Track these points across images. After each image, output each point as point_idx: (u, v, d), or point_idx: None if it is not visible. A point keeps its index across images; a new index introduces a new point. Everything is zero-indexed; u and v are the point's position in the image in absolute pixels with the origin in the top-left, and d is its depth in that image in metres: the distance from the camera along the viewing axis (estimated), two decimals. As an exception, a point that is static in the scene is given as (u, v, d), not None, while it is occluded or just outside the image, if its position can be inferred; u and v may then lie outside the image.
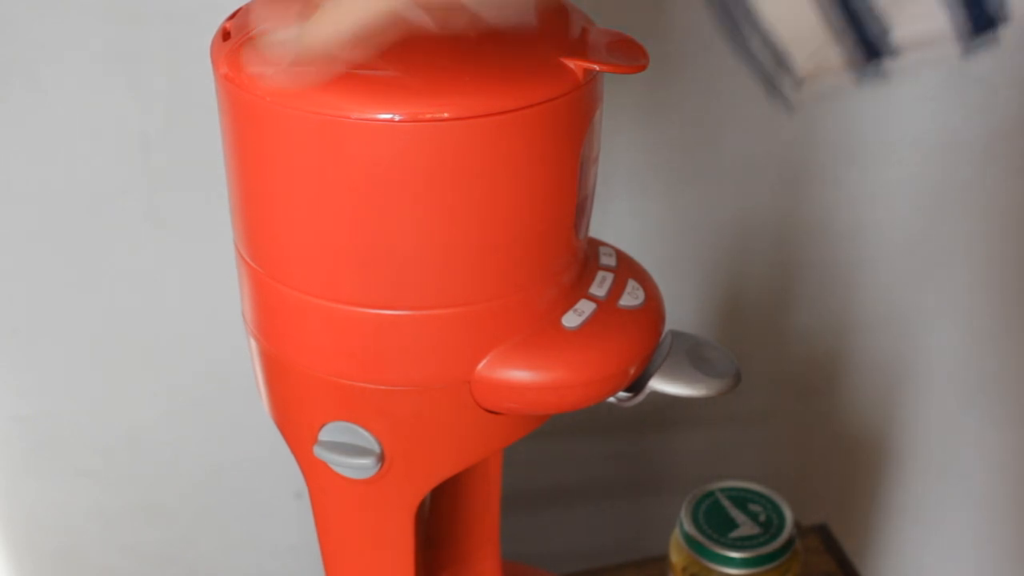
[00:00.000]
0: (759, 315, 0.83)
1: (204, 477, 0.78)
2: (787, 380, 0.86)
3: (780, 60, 0.36)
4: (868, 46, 0.34)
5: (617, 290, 0.44)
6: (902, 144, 0.77)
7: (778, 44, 0.35)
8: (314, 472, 0.47)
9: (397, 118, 0.37)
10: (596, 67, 0.38)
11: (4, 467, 0.74)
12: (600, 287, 0.44)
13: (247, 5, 0.44)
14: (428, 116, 0.36)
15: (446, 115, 0.37)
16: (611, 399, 0.45)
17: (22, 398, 0.72)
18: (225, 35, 0.41)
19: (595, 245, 0.46)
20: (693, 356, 0.45)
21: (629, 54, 0.39)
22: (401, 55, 0.39)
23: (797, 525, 0.64)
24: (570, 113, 0.39)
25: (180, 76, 0.63)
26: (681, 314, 0.79)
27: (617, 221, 0.74)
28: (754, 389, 0.84)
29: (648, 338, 0.44)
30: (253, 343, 0.46)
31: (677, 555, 0.64)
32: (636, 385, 0.45)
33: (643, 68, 0.39)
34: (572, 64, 0.38)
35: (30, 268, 0.68)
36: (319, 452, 0.44)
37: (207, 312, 0.70)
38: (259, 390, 0.48)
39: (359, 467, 0.44)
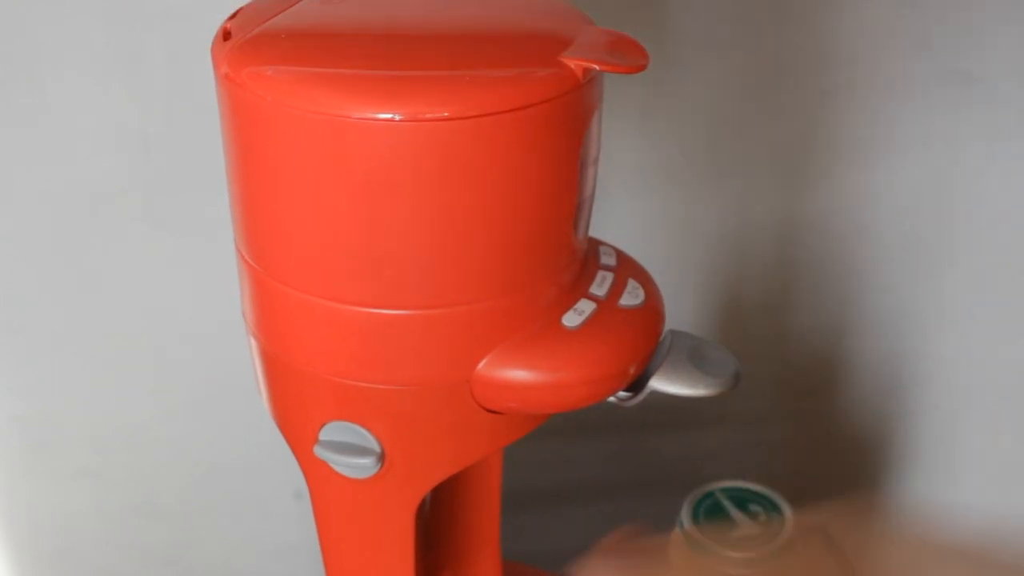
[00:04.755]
0: (759, 315, 0.83)
1: (204, 477, 0.78)
2: (787, 380, 0.86)
3: None
4: None
5: (617, 290, 0.44)
6: (901, 144, 0.77)
7: None
8: (314, 472, 0.47)
9: (397, 118, 0.37)
10: (596, 67, 0.38)
11: (3, 467, 0.74)
12: (600, 287, 0.44)
13: (248, 5, 0.44)
14: (428, 116, 0.36)
15: (446, 114, 0.37)
16: (611, 399, 0.45)
17: (21, 398, 0.72)
18: (226, 35, 0.42)
19: (595, 245, 0.46)
20: (693, 356, 0.45)
21: (629, 54, 0.39)
22: (401, 54, 0.39)
23: (797, 525, 0.64)
24: (570, 113, 0.39)
25: (180, 76, 0.63)
26: (681, 314, 0.79)
27: (617, 221, 0.74)
28: (754, 389, 0.84)
29: (648, 337, 0.44)
30: (253, 342, 0.46)
31: (677, 555, 0.64)
32: (636, 385, 0.45)
33: (643, 68, 0.39)
34: (572, 64, 0.38)
35: (30, 268, 0.68)
36: (319, 452, 0.44)
37: (207, 312, 0.70)
38: (259, 389, 0.48)
39: (359, 466, 0.44)
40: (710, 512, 0.64)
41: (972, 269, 0.84)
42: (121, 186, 0.66)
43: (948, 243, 0.82)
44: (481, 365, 0.42)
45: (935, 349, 0.86)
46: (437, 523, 0.57)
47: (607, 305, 0.44)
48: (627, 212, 0.75)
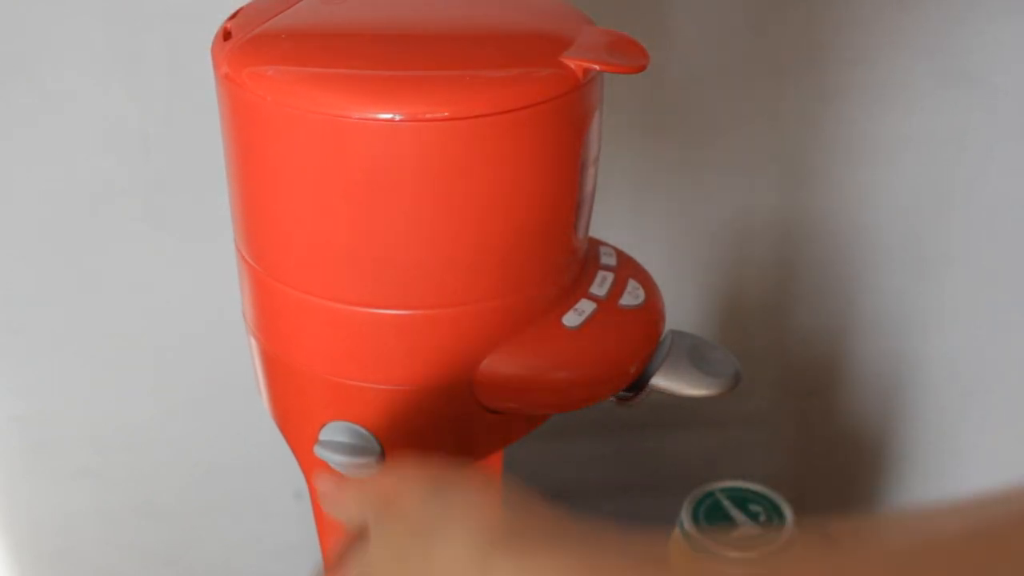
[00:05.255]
0: (759, 315, 0.83)
1: (204, 477, 0.78)
2: (787, 380, 0.86)
3: None
4: None
5: (617, 290, 0.44)
6: (901, 144, 0.77)
7: None
8: (315, 472, 0.47)
9: (398, 118, 0.37)
10: (596, 67, 0.38)
11: (4, 467, 0.74)
12: (600, 287, 0.44)
13: (248, 5, 0.44)
14: (428, 116, 0.36)
15: (446, 114, 0.37)
16: (612, 399, 0.45)
17: (21, 398, 0.72)
18: (226, 35, 0.41)
19: (595, 245, 0.46)
20: (694, 356, 0.45)
21: (629, 54, 0.39)
22: (401, 55, 0.39)
23: (797, 525, 0.64)
24: (570, 113, 0.39)
25: (180, 76, 0.63)
26: (682, 314, 0.79)
27: (617, 221, 0.74)
28: (754, 389, 0.84)
29: (648, 337, 0.44)
30: (253, 343, 0.46)
31: (677, 555, 0.64)
32: (637, 384, 0.45)
33: (643, 68, 0.39)
34: (572, 64, 0.38)
35: (30, 268, 0.68)
36: (320, 451, 0.44)
37: (207, 312, 0.70)
38: (259, 390, 0.48)
39: (360, 466, 0.44)
40: (710, 512, 0.64)
41: (972, 269, 0.84)
42: (121, 186, 0.66)
43: (948, 243, 0.82)
44: (482, 365, 0.42)
45: (935, 349, 0.86)
46: (437, 523, 0.57)
47: (607, 305, 0.44)
48: (628, 212, 0.75)
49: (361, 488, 0.39)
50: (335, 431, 0.44)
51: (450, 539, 0.34)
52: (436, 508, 0.35)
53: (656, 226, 0.77)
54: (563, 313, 0.43)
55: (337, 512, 0.40)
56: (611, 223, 0.73)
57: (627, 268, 0.46)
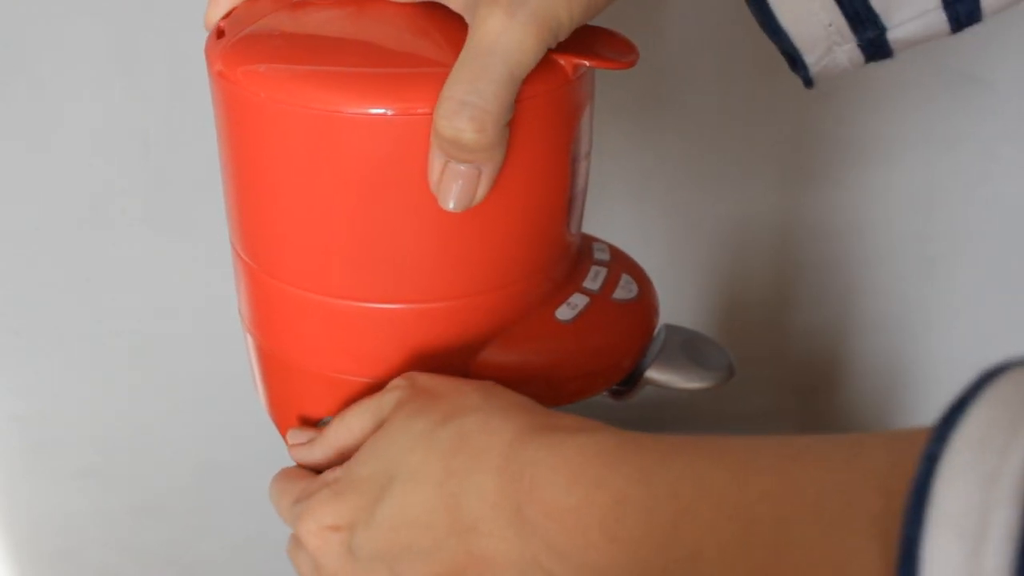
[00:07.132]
0: (759, 315, 0.83)
1: (203, 476, 0.78)
2: (787, 380, 0.86)
3: (795, 58, 0.39)
4: (869, 49, 0.36)
5: (611, 284, 0.44)
6: (901, 144, 0.77)
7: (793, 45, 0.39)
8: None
9: (390, 112, 0.37)
10: (586, 63, 0.39)
11: (4, 467, 0.75)
12: (593, 281, 0.44)
13: (241, 4, 0.44)
14: (421, 110, 0.37)
15: (438, 109, 0.37)
16: (606, 393, 0.45)
17: (22, 398, 0.73)
18: (219, 33, 0.42)
19: (589, 241, 0.46)
20: (688, 349, 0.45)
21: (619, 50, 0.40)
22: (392, 52, 0.39)
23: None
24: (560, 107, 0.39)
25: (180, 76, 0.63)
26: (681, 314, 0.79)
27: (617, 221, 0.74)
28: (754, 389, 0.84)
29: (642, 330, 0.44)
30: (250, 339, 0.46)
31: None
32: (631, 378, 0.45)
33: (632, 64, 0.39)
34: (562, 60, 0.38)
35: (30, 268, 0.68)
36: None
37: (207, 311, 0.71)
38: (256, 387, 0.48)
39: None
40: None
41: (972, 269, 0.83)
42: (121, 186, 0.66)
43: (948, 243, 0.82)
44: (476, 359, 0.42)
45: (935, 349, 0.86)
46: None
47: (600, 299, 0.44)
48: (627, 212, 0.75)
49: (373, 399, 0.39)
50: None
51: (490, 419, 0.35)
52: (477, 397, 0.36)
53: (656, 226, 0.77)
54: (556, 307, 0.43)
55: (332, 436, 0.40)
56: (611, 222, 0.73)
57: (620, 263, 0.46)
